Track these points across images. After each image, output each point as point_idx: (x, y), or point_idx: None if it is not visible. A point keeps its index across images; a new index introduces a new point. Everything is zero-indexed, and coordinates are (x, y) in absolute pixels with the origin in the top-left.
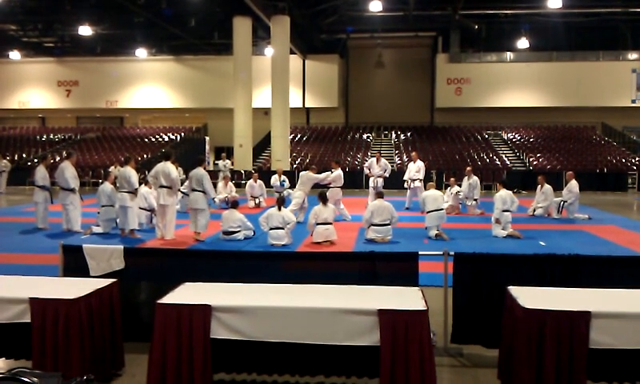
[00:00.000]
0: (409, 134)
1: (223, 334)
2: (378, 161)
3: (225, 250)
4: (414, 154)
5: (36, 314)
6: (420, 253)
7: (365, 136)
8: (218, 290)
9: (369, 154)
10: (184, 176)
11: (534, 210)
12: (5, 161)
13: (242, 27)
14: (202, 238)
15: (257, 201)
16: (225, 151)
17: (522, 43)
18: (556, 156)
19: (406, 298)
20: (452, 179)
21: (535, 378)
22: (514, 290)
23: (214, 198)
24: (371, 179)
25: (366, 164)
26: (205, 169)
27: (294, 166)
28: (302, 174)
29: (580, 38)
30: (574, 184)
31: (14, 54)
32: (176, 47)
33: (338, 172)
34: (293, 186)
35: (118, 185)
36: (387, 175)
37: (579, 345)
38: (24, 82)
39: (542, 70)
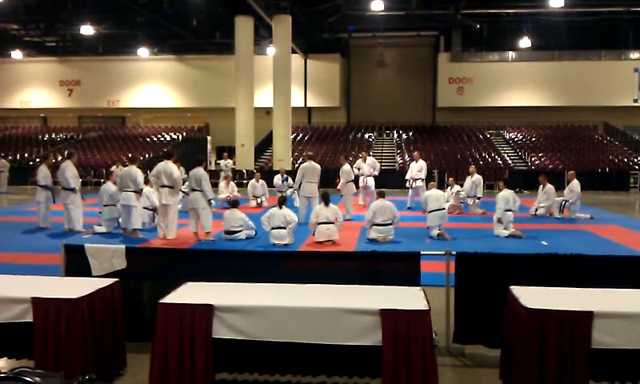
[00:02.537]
0: (411, 134)
1: (225, 334)
2: (364, 160)
3: (227, 250)
4: (415, 153)
5: (38, 313)
6: (422, 252)
7: (367, 135)
8: (220, 290)
9: (370, 153)
10: (186, 175)
11: (536, 210)
12: (4, 160)
13: (243, 27)
14: (210, 237)
15: (259, 200)
16: (226, 151)
17: (524, 42)
18: (558, 155)
19: (408, 298)
20: (451, 179)
21: (537, 377)
22: (516, 290)
23: (210, 200)
24: (361, 178)
25: (355, 164)
26: (205, 169)
27: (296, 165)
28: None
29: (582, 37)
30: (575, 183)
31: (16, 54)
32: (178, 47)
33: (346, 167)
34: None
35: (118, 184)
36: (377, 173)
37: (581, 345)
38: (26, 81)
39: (544, 69)
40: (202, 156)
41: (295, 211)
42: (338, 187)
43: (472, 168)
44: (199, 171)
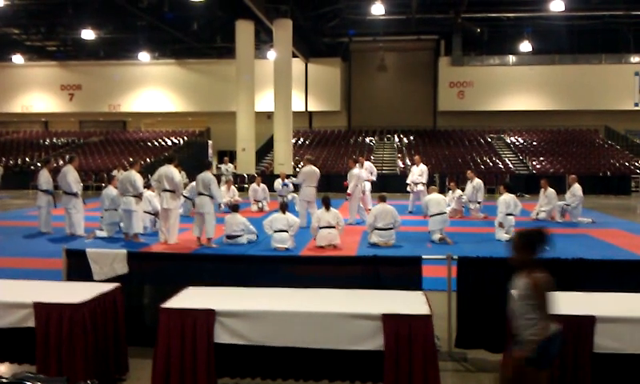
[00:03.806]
0: (411, 138)
1: (227, 339)
2: (362, 165)
3: (228, 254)
4: (416, 157)
5: (40, 318)
6: (423, 257)
7: (367, 140)
8: (221, 295)
9: (371, 157)
10: (187, 180)
11: (538, 214)
12: None
13: (244, 31)
14: (212, 244)
15: (260, 205)
16: (227, 155)
17: (525, 46)
18: (559, 159)
19: (409, 303)
20: (452, 183)
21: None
22: None
23: (220, 204)
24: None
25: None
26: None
27: (297, 170)
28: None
29: (583, 41)
30: (577, 187)
31: (17, 58)
32: (179, 51)
33: (355, 171)
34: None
35: (119, 188)
36: (374, 178)
37: (584, 349)
38: (27, 86)
39: (544, 73)
40: (209, 160)
41: (295, 215)
42: (348, 191)
43: (470, 173)
44: (207, 175)
